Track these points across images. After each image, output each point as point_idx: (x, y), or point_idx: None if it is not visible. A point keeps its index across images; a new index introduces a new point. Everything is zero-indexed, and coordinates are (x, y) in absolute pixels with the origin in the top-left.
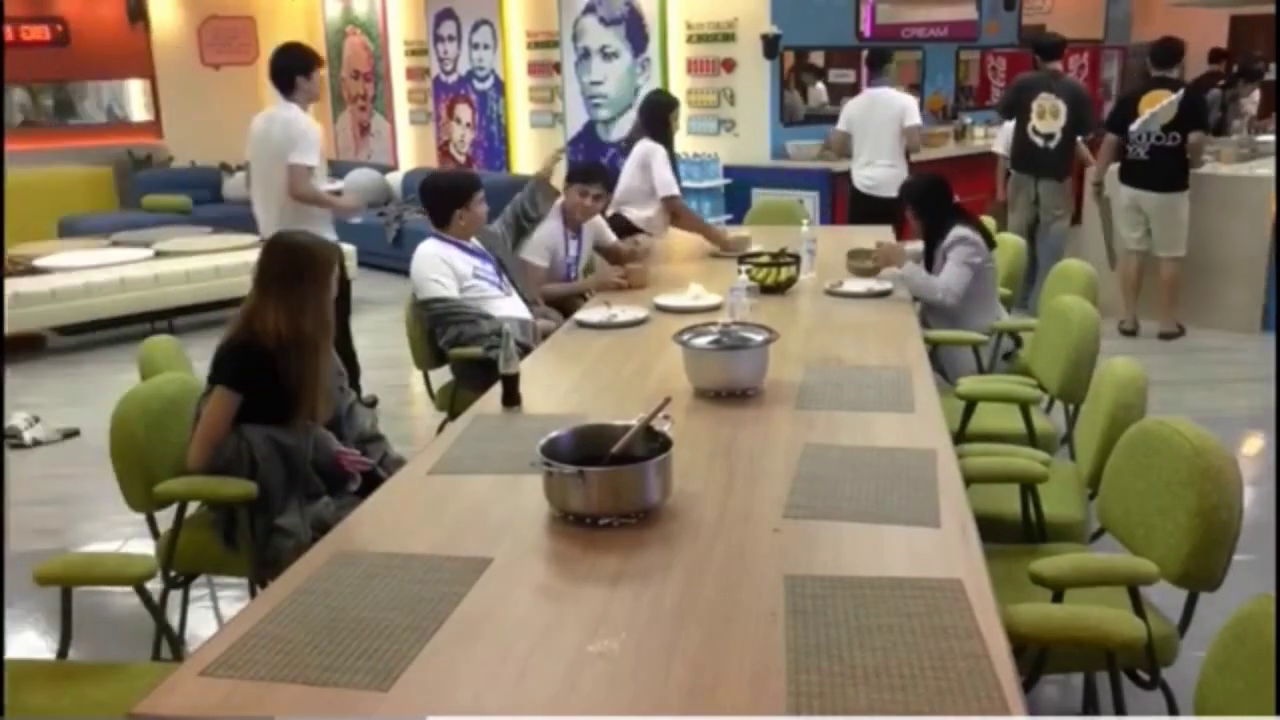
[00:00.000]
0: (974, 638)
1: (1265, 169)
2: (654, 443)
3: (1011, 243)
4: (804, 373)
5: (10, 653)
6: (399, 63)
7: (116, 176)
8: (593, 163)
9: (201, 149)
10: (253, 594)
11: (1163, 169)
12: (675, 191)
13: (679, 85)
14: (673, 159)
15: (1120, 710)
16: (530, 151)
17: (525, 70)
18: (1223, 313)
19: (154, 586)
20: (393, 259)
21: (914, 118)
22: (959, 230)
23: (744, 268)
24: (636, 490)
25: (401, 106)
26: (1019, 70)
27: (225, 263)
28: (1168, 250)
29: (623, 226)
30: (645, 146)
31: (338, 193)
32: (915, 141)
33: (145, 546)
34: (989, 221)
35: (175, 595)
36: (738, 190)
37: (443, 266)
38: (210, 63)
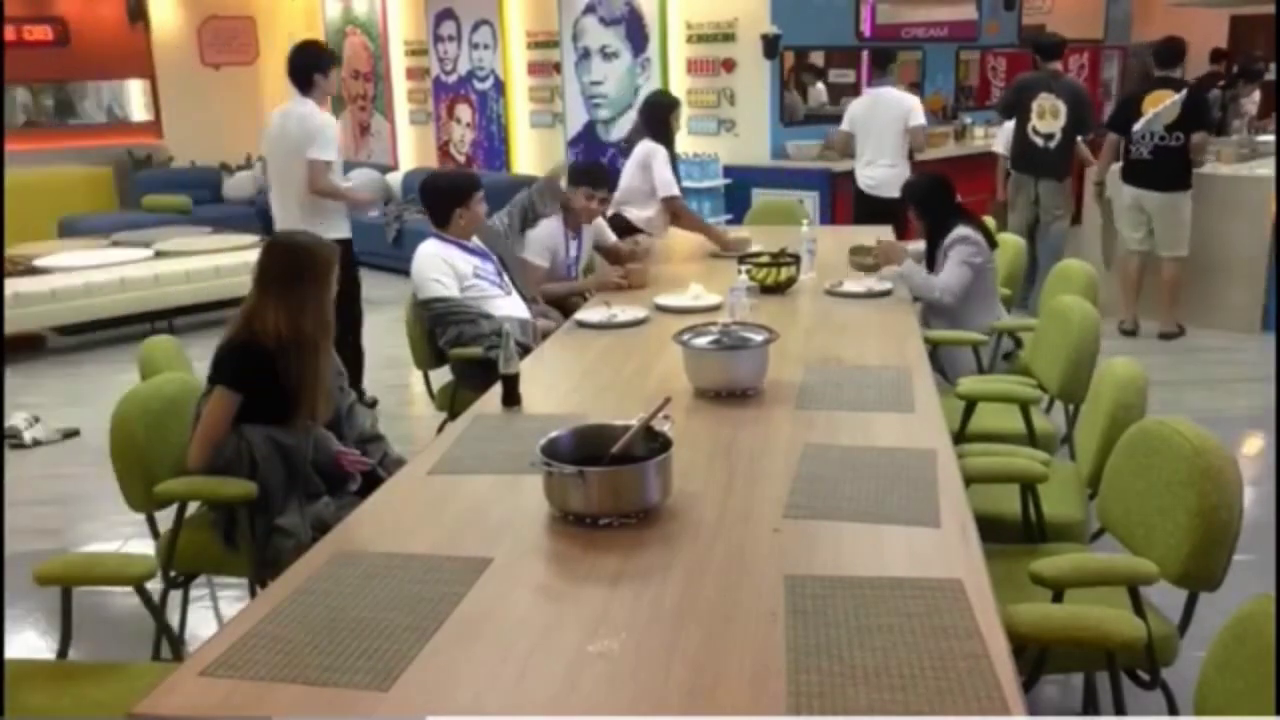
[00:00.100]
0: (974, 638)
1: (1265, 169)
2: (654, 443)
3: (1011, 243)
4: (804, 373)
5: (10, 653)
6: (399, 63)
7: (116, 176)
8: (599, 165)
9: (201, 149)
10: (253, 594)
11: (1166, 169)
12: (675, 192)
13: (679, 85)
14: (673, 159)
15: (1120, 710)
16: (530, 151)
17: (525, 70)
18: (1223, 313)
19: (154, 586)
20: (393, 259)
21: (919, 118)
22: (960, 230)
23: (744, 268)
24: (636, 490)
25: (401, 106)
26: (1019, 70)
27: (225, 263)
28: (1170, 250)
29: (623, 226)
30: (646, 147)
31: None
32: (920, 142)
33: (145, 546)
34: (989, 221)
35: (175, 595)
36: (738, 190)
37: (443, 266)
38: (210, 63)
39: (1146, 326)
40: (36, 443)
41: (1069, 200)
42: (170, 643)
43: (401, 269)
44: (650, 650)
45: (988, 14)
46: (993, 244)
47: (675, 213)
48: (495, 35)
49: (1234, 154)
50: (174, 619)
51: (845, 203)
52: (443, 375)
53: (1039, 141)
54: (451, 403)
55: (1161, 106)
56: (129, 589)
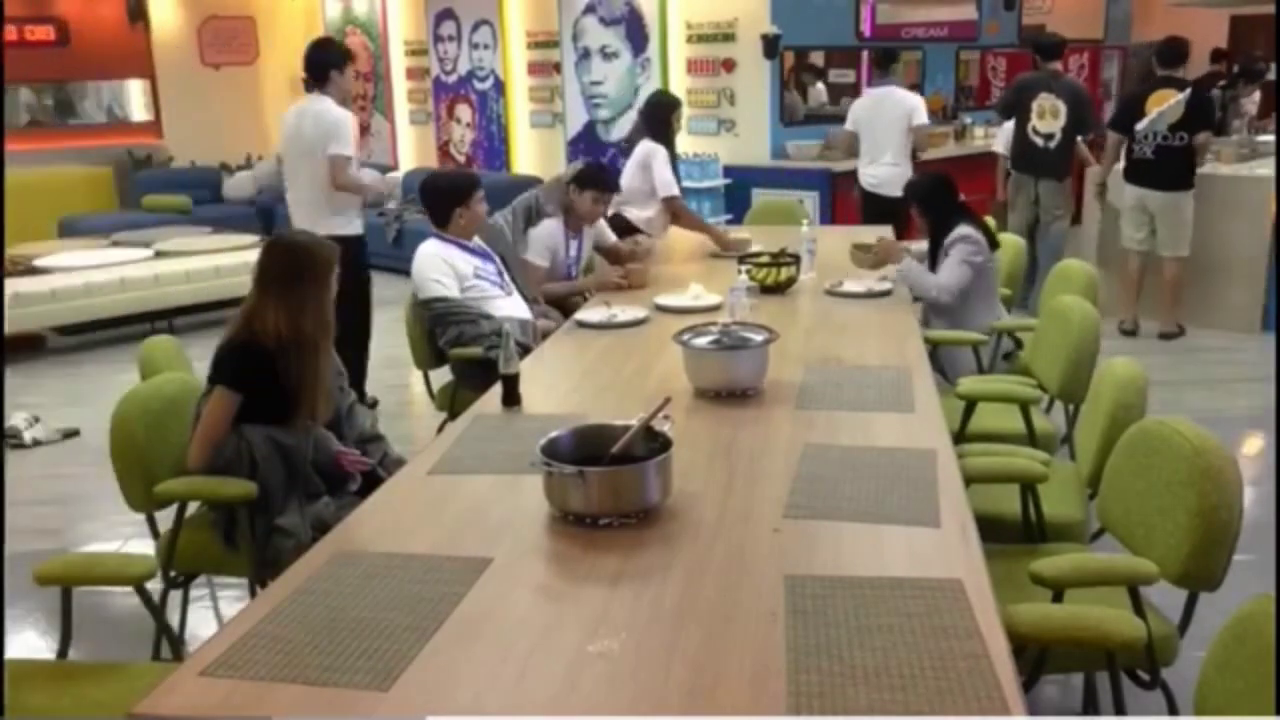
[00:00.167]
0: (974, 638)
1: (1265, 169)
2: (654, 443)
3: (1011, 243)
4: (804, 373)
5: (10, 653)
6: (399, 63)
7: (116, 176)
8: (608, 171)
9: (201, 149)
10: (253, 594)
11: (1169, 168)
12: (675, 192)
13: (679, 85)
14: (673, 159)
15: (1120, 710)
16: (530, 151)
17: (525, 70)
18: (1223, 313)
19: (154, 586)
20: (393, 259)
21: (922, 117)
22: (962, 229)
23: (744, 268)
24: (636, 490)
25: (401, 106)
26: (1019, 70)
27: (225, 263)
28: (1172, 250)
29: (623, 226)
30: (646, 147)
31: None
32: (923, 141)
33: (145, 546)
34: (990, 222)
35: (175, 595)
36: (738, 190)
37: (443, 266)
38: (210, 63)
39: (1146, 326)
40: (36, 443)
41: (1069, 200)
42: (170, 643)
43: (401, 269)
44: (650, 650)
45: (988, 14)
46: (994, 244)
47: (675, 213)
48: (495, 35)
49: (1234, 154)
50: (174, 619)
51: (845, 203)
52: (443, 375)
53: (1039, 141)
54: (451, 403)
55: (1165, 106)
56: (129, 589)
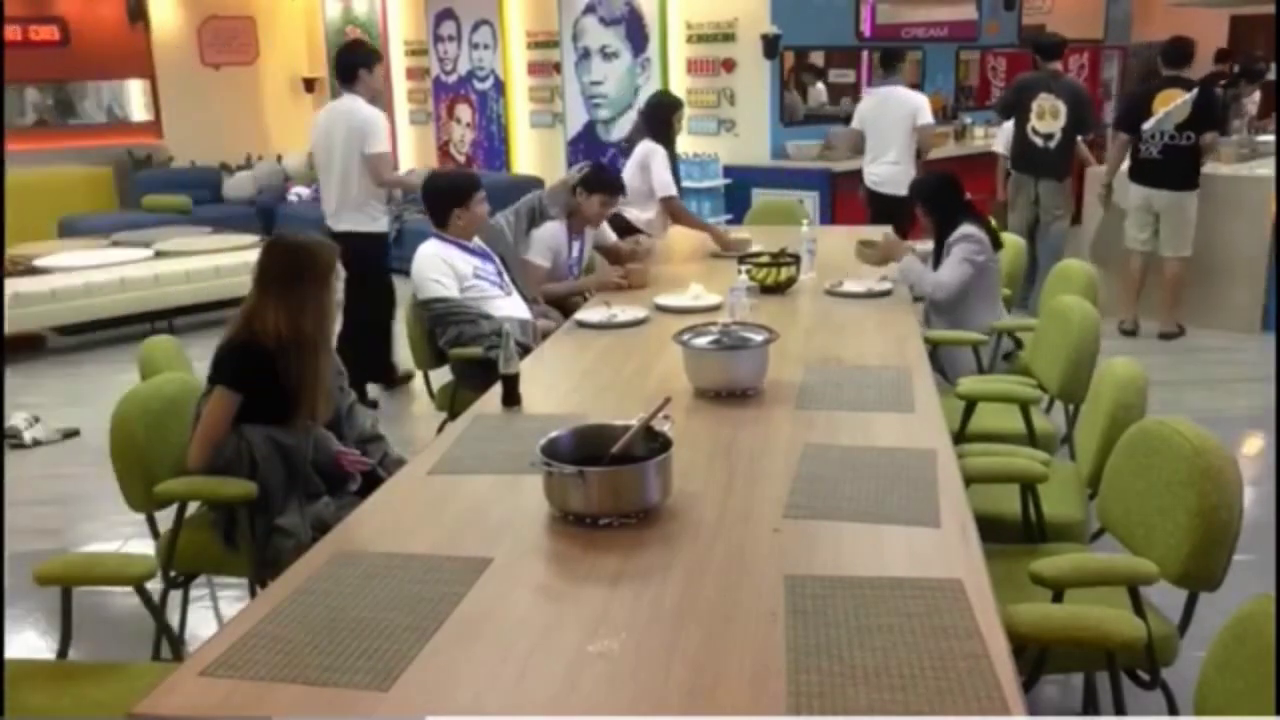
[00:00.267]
0: (974, 638)
1: (1265, 169)
2: (654, 443)
3: (1012, 243)
4: (804, 373)
5: (10, 653)
6: (399, 63)
7: (116, 176)
8: (618, 175)
9: (201, 149)
10: (253, 594)
11: (1175, 168)
12: (673, 192)
13: (679, 85)
14: (674, 160)
15: (1120, 710)
16: (530, 151)
17: (525, 70)
18: (1223, 313)
19: (154, 586)
20: (393, 259)
21: (926, 117)
22: (965, 228)
23: (744, 268)
24: (636, 490)
25: (401, 106)
26: (1019, 70)
27: (225, 263)
28: (1174, 250)
29: (623, 227)
30: (646, 147)
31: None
32: (927, 141)
33: (145, 546)
34: (992, 222)
35: (175, 595)
36: (738, 190)
37: (443, 266)
38: (210, 63)
39: (1146, 326)
40: (36, 443)
41: (1069, 200)
42: (170, 643)
43: (402, 269)
44: (650, 650)
45: (988, 14)
46: (997, 244)
47: (673, 213)
48: (495, 35)
49: (1234, 154)
50: (174, 619)
51: (846, 203)
52: (443, 375)
53: (1038, 141)
54: (451, 403)
55: (1173, 106)
56: (129, 589)
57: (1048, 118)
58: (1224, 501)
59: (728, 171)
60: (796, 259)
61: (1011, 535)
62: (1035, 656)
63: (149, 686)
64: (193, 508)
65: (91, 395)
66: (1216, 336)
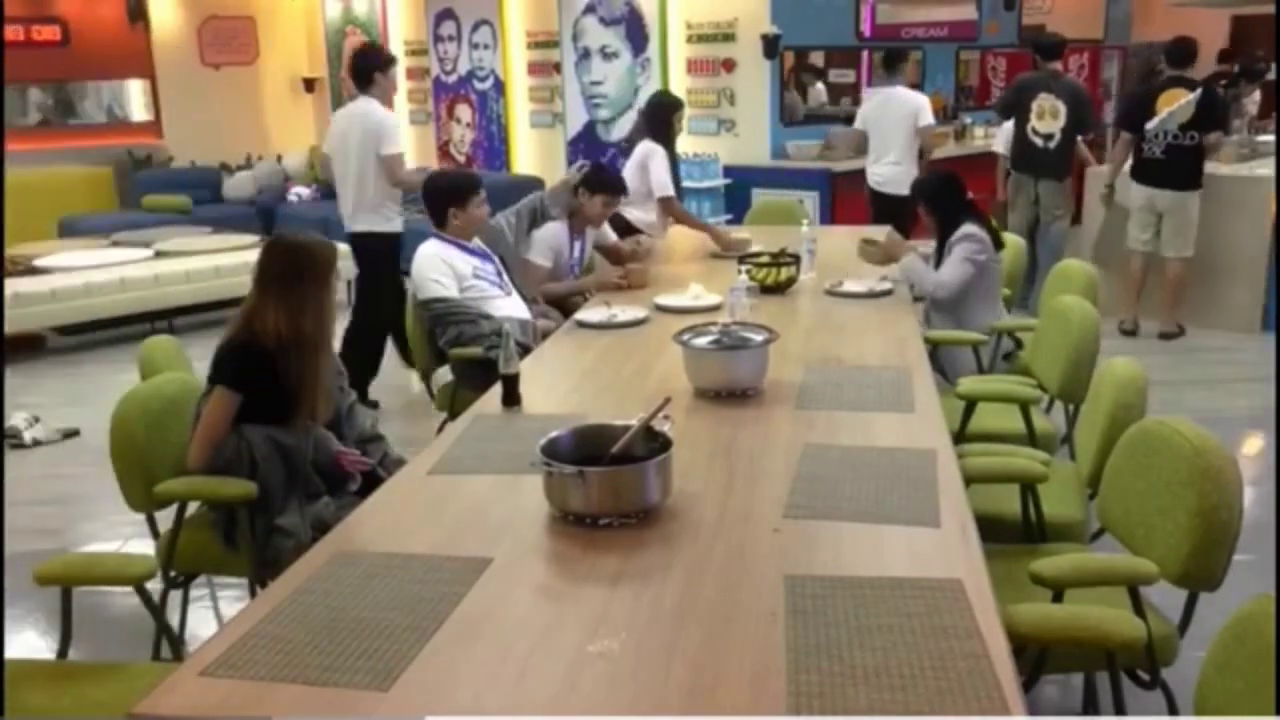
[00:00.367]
0: (974, 638)
1: (1265, 169)
2: (654, 443)
3: (1012, 243)
4: (804, 373)
5: (10, 653)
6: (399, 63)
7: (116, 176)
8: (620, 176)
9: (201, 149)
10: (253, 594)
11: (1179, 168)
12: (670, 193)
13: (679, 85)
14: (674, 160)
15: (1120, 710)
16: (530, 151)
17: (525, 70)
18: (1223, 313)
19: (154, 586)
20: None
21: (927, 117)
22: (967, 227)
23: (744, 268)
24: (636, 490)
25: (401, 106)
26: (1019, 70)
27: (225, 263)
28: (1176, 250)
29: (623, 227)
30: (645, 147)
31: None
32: (928, 141)
33: (145, 546)
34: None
35: (175, 595)
36: (738, 190)
37: (442, 266)
38: (210, 63)
39: (1146, 326)
40: (36, 443)
41: (1069, 200)
42: (170, 643)
43: (404, 269)
44: (650, 650)
45: (988, 14)
46: (998, 244)
47: (671, 214)
48: (495, 35)
49: (1234, 154)
50: (174, 619)
51: (846, 203)
52: (443, 375)
53: (1038, 142)
54: (451, 403)
55: (1177, 105)
56: (129, 589)
57: (1048, 118)
58: (1224, 501)
59: (728, 171)
60: (796, 259)
61: (1011, 535)
62: (1035, 656)
63: (149, 686)
64: (193, 508)
65: (91, 395)
66: (1216, 336)
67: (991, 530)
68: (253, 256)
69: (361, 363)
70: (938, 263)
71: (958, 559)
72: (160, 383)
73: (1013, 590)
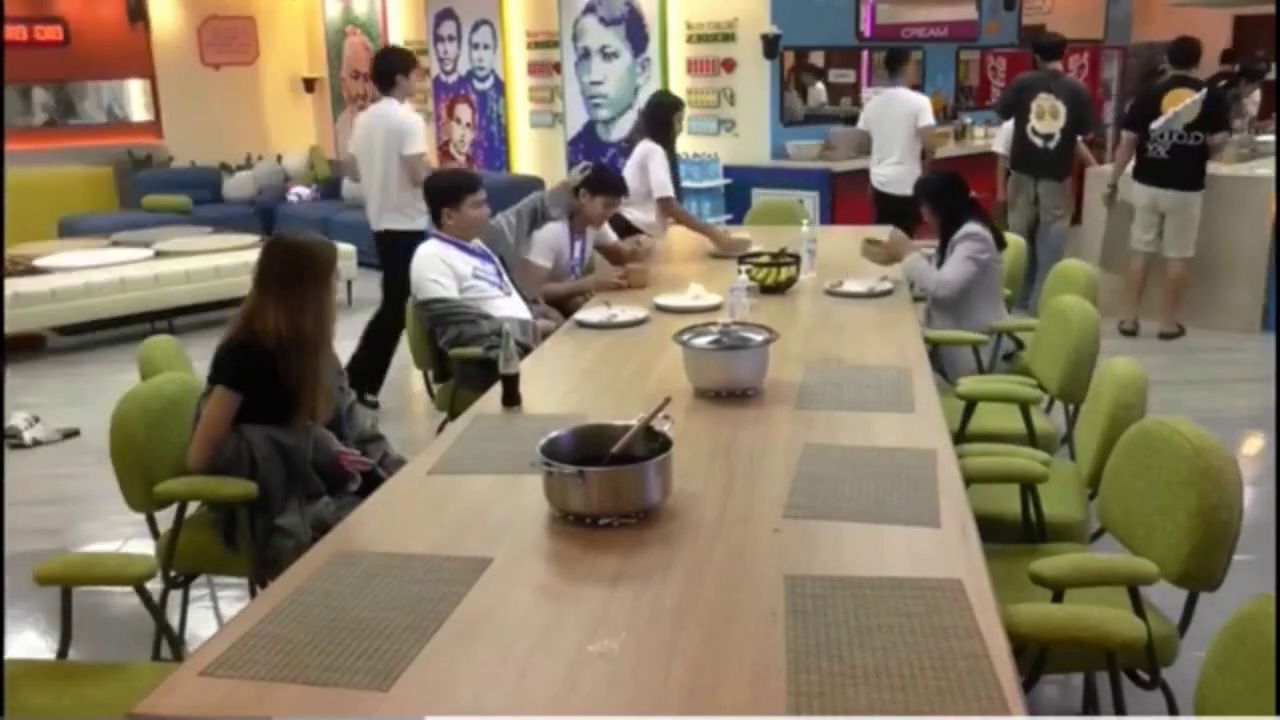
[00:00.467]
0: (974, 638)
1: (1265, 169)
2: (654, 443)
3: (1012, 243)
4: (804, 373)
5: (10, 653)
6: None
7: (116, 176)
8: (621, 177)
9: (201, 149)
10: (253, 594)
11: (1182, 168)
12: (669, 193)
13: (679, 85)
14: (674, 160)
15: (1120, 710)
16: (530, 151)
17: (525, 70)
18: (1223, 313)
19: (154, 586)
20: None
21: (927, 118)
22: (970, 226)
23: (744, 268)
24: (636, 490)
25: None
26: (1019, 70)
27: (225, 263)
28: (1178, 250)
29: (623, 227)
30: (645, 147)
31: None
32: (929, 142)
33: (145, 546)
34: None
35: (175, 595)
36: (738, 190)
37: (442, 267)
38: (210, 63)
39: (1146, 326)
40: (36, 443)
41: (1069, 200)
42: (170, 643)
43: None
44: (650, 650)
45: (988, 14)
46: (1001, 243)
47: (670, 214)
48: (495, 35)
49: (1234, 154)
50: (174, 619)
51: (846, 203)
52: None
53: (1038, 142)
54: (451, 403)
55: (1182, 106)
56: (129, 589)
57: (1047, 118)
58: (1224, 501)
59: (728, 171)
60: (796, 259)
61: (1011, 535)
62: (1035, 656)
63: (149, 686)
64: (193, 508)
65: (91, 395)
66: (1216, 336)
67: (991, 530)
68: (253, 256)
69: (375, 356)
70: (940, 262)
71: (958, 559)
72: (160, 383)
73: (1013, 590)
